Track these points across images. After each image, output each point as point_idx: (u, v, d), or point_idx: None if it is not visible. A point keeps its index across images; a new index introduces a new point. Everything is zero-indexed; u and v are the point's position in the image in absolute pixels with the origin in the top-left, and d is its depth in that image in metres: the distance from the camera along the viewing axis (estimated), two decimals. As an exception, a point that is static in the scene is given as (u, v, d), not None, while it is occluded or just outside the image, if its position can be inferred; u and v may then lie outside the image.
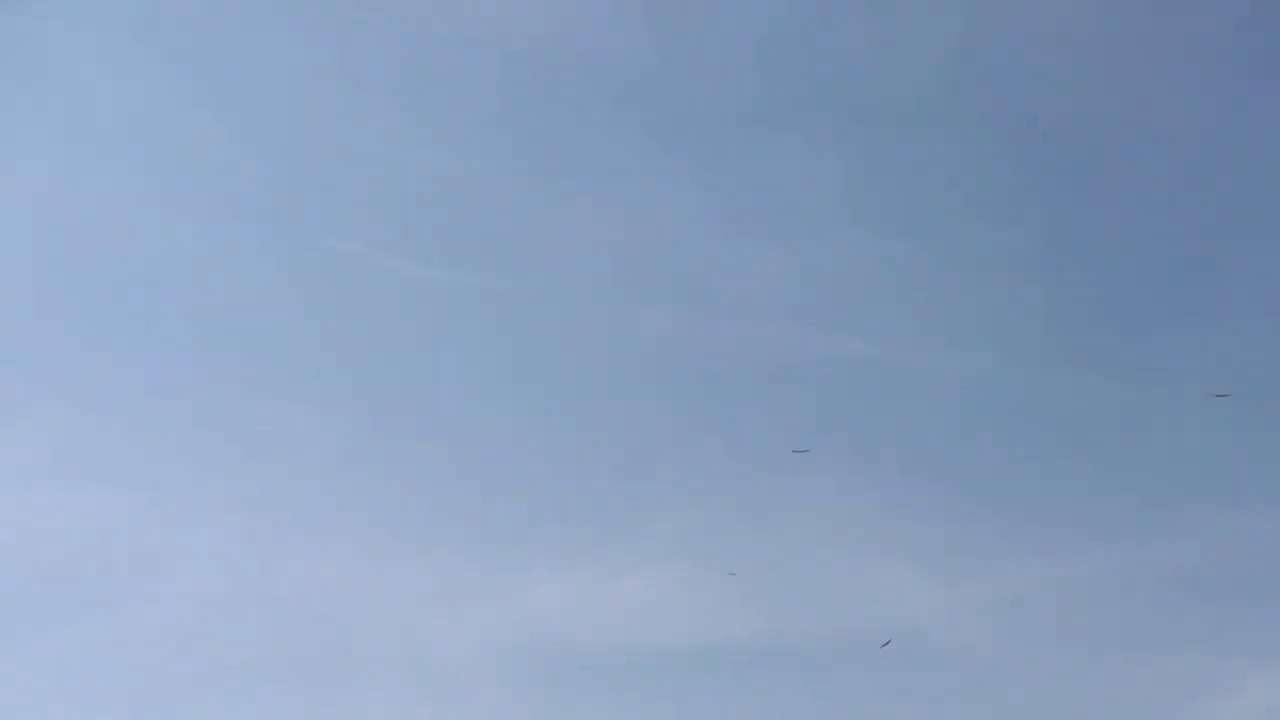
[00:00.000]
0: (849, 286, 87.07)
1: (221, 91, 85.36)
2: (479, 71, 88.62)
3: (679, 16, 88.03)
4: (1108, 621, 74.01)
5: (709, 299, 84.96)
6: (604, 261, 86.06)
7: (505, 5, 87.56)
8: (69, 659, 67.76)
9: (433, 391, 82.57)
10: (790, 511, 76.15)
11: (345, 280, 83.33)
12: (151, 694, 67.07)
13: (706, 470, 79.36)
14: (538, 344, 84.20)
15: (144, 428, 77.38)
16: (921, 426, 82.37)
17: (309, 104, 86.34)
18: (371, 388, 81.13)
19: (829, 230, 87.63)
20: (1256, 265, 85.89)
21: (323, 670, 69.86)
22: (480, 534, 75.77)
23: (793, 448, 74.00)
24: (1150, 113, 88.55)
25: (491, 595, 73.55)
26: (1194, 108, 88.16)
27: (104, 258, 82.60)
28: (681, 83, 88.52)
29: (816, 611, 73.34)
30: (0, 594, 69.85)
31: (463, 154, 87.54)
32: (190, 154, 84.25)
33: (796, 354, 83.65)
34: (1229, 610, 73.39)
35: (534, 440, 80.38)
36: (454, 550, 75.15)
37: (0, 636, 68.26)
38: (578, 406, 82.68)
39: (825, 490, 77.64)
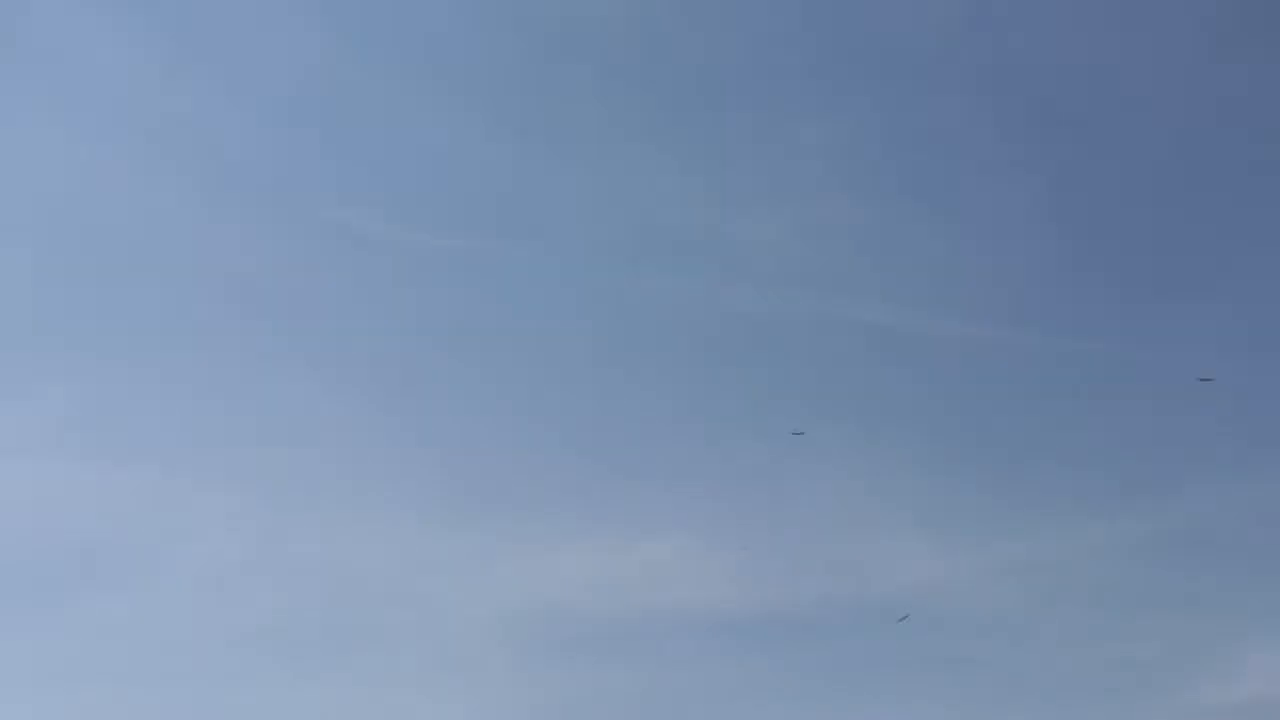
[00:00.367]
0: (853, 251, 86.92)
1: (221, 63, 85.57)
2: (477, 39, 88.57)
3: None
4: (1120, 585, 74.03)
5: (712, 264, 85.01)
6: (607, 228, 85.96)
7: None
8: (86, 632, 68.27)
9: (440, 361, 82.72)
10: (800, 479, 76.16)
11: (348, 249, 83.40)
12: (167, 664, 67.67)
13: (716, 439, 79.47)
14: (543, 312, 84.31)
15: (156, 402, 77.95)
16: (931, 393, 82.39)
17: (308, 74, 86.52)
18: (379, 358, 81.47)
19: (831, 194, 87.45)
20: (1269, 225, 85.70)
21: (338, 639, 70.43)
22: (492, 504, 76.04)
23: (802, 413, 74.30)
24: (1159, 72, 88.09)
25: (504, 564, 73.84)
26: (1204, 66, 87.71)
27: (110, 232, 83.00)
28: (680, 49, 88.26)
29: (828, 579, 73.44)
30: (18, 567, 70.70)
31: (461, 122, 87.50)
32: (191, 126, 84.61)
33: (803, 320, 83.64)
34: (1241, 574, 73.39)
35: (544, 409, 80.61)
36: (466, 520, 75.39)
37: (19, 610, 69.05)
38: (587, 375, 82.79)
39: (835, 457, 77.71)
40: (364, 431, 78.28)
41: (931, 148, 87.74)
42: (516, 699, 68.50)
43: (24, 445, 73.61)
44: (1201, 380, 71.03)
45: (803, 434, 70.48)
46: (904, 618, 69.27)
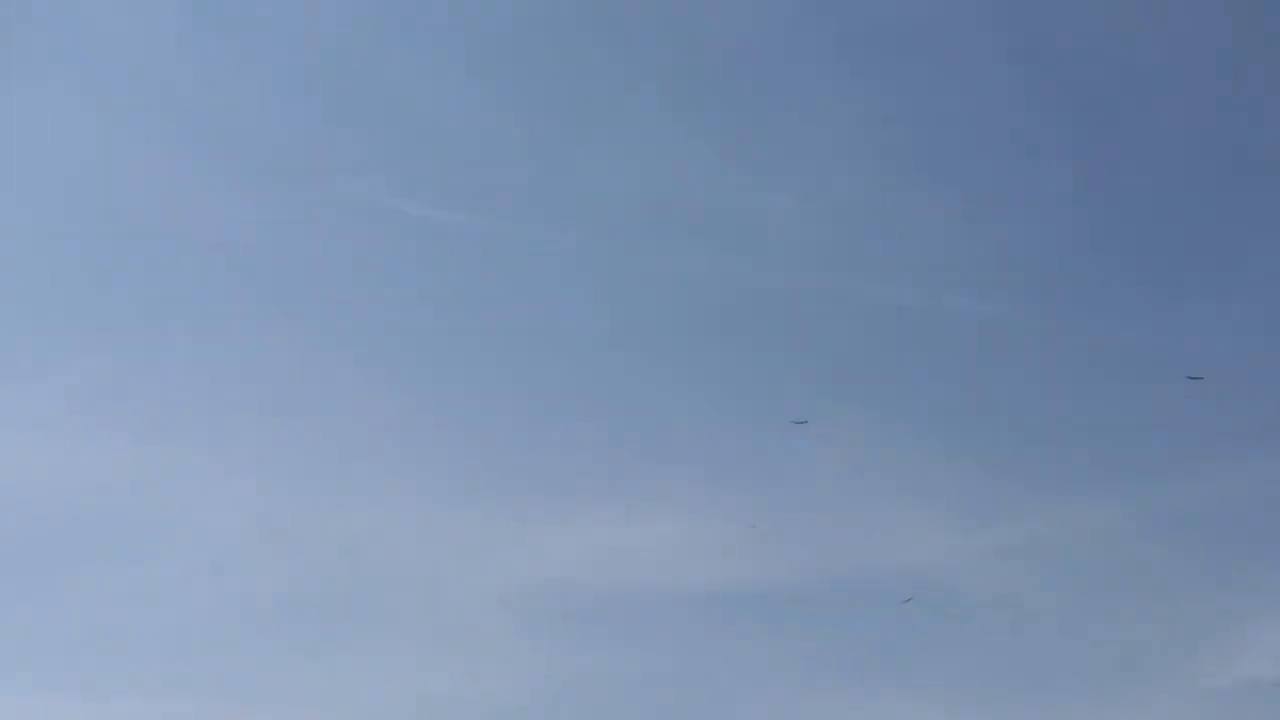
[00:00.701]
0: (866, 229, 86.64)
1: (234, 33, 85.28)
2: (492, 12, 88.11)
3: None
4: (1125, 566, 74.07)
5: (725, 241, 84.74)
6: (620, 204, 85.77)
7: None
8: (94, 605, 68.92)
9: (447, 337, 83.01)
10: (806, 457, 76.19)
11: (362, 223, 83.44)
12: (173, 638, 68.26)
13: (722, 415, 79.54)
14: (551, 288, 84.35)
15: (164, 377, 78.26)
16: (940, 371, 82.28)
17: (323, 47, 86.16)
18: (388, 333, 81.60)
19: (846, 172, 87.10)
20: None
21: (342, 613, 70.81)
22: (497, 479, 76.25)
23: (810, 391, 74.32)
24: (1184, 56, 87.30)
25: (508, 539, 74.09)
26: (1233, 51, 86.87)
27: (122, 204, 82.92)
28: (696, 24, 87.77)
29: (833, 557, 73.51)
30: (27, 542, 71.35)
31: (477, 96, 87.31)
32: (205, 99, 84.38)
33: (813, 297, 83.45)
34: (1243, 556, 73.39)
35: (551, 385, 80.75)
36: (471, 495, 75.70)
37: (26, 583, 69.75)
38: (595, 352, 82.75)
39: (842, 435, 77.65)
40: (370, 406, 78.65)
41: (950, 128, 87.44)
42: (519, 674, 69.04)
43: (34, 421, 74.38)
44: (1191, 379, 71.01)
45: (805, 423, 70.42)
46: (909, 599, 69.52)
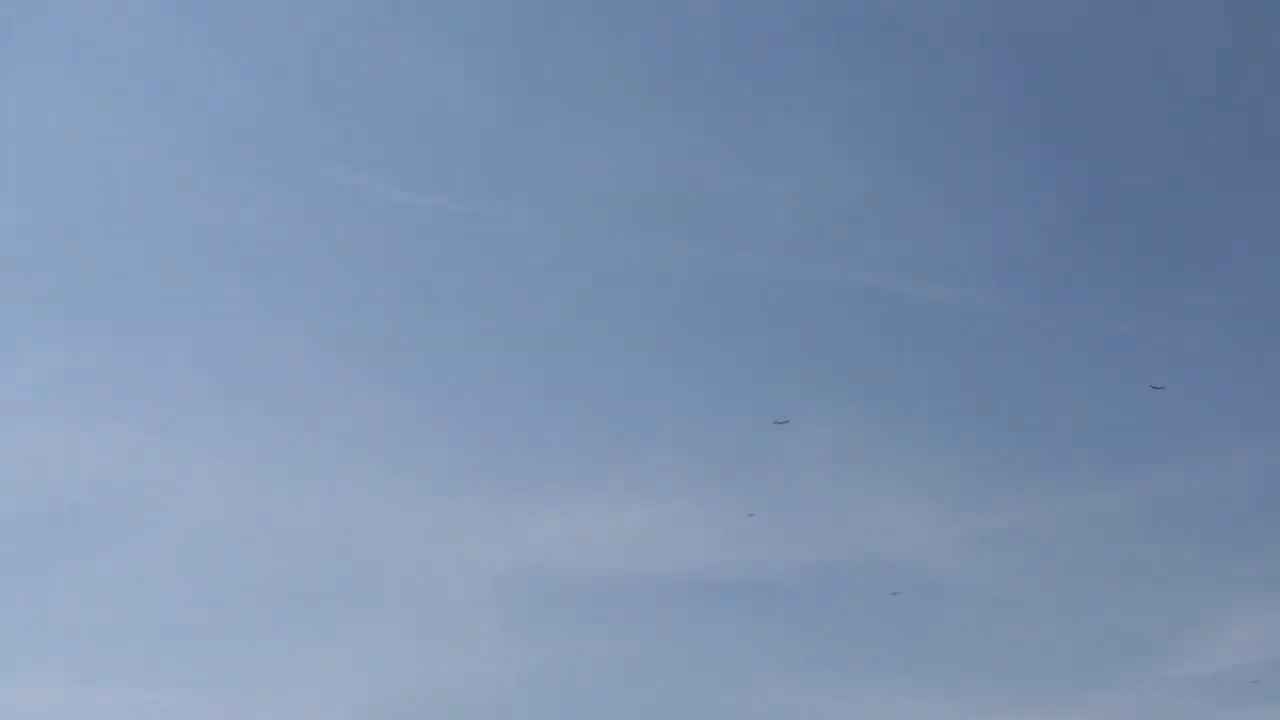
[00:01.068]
0: (851, 218, 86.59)
1: (221, 23, 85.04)
2: (482, 2, 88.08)
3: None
4: (1111, 556, 74.12)
5: (711, 228, 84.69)
6: (605, 191, 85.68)
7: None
8: (77, 591, 68.98)
9: (432, 325, 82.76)
10: (792, 445, 76.08)
11: (342, 208, 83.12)
12: (157, 624, 68.33)
13: (707, 404, 79.55)
14: (537, 273, 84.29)
15: (147, 364, 78.11)
16: (928, 361, 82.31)
17: (306, 35, 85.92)
18: (371, 321, 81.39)
19: (832, 161, 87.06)
20: (1266, 195, 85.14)
21: (327, 599, 70.93)
22: (482, 466, 76.32)
23: (796, 378, 74.20)
24: (1165, 46, 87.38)
25: (493, 526, 74.08)
26: (1213, 41, 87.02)
27: (106, 191, 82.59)
28: (687, 11, 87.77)
29: (817, 545, 73.54)
30: (8, 528, 71.23)
31: (462, 82, 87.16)
32: (190, 86, 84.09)
33: (801, 285, 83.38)
34: (1227, 546, 73.58)
35: (534, 371, 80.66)
36: (455, 482, 75.68)
37: (14, 569, 69.82)
38: (581, 339, 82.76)
39: (828, 424, 77.67)
40: (353, 397, 78.53)
41: (935, 117, 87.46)
42: (502, 659, 69.04)
43: (19, 407, 74.47)
44: (1154, 388, 71.42)
45: (787, 422, 70.35)
46: (896, 593, 69.50)
